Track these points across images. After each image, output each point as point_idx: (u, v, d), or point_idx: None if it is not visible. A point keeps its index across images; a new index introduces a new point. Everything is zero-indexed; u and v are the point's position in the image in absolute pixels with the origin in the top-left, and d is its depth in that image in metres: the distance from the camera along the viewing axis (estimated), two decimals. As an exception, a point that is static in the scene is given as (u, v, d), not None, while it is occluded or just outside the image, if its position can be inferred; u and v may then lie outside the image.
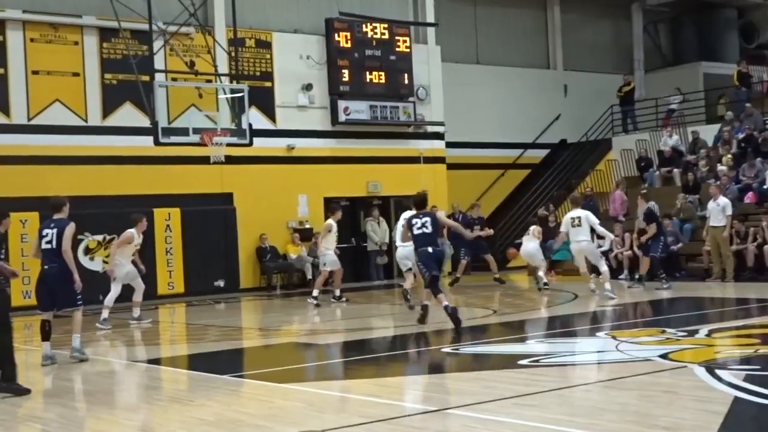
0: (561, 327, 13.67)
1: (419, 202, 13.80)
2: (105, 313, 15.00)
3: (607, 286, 16.18)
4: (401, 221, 16.45)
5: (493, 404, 7.46)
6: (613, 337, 11.21)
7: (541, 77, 29.35)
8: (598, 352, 10.61)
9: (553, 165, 27.92)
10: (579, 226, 16.34)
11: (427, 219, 13.31)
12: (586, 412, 7.13)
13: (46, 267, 11.11)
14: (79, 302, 11.18)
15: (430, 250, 13.12)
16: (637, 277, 18.46)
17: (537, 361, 9.78)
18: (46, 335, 11.10)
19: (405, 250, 15.65)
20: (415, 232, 13.34)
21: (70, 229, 11.03)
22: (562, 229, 16.86)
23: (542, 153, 28.88)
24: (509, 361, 9.85)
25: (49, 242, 11.01)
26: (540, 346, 11.30)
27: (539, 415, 6.99)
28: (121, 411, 8.26)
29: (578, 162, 27.81)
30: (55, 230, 11.01)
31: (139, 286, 15.52)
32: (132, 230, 15.31)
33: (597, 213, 23.35)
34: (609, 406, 7.28)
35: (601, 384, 8.33)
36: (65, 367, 10.97)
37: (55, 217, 11.24)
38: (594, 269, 17.30)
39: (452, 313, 12.64)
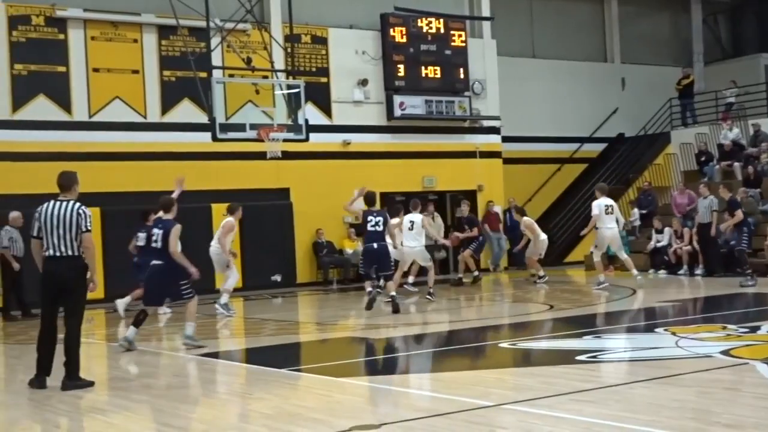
0: (619, 322, 13.56)
1: (370, 199, 14.95)
2: (225, 298, 15.82)
3: (634, 272, 17.68)
4: (406, 222, 16.66)
5: (550, 400, 7.44)
6: (673, 333, 11.08)
7: (598, 71, 29.06)
8: (657, 348, 10.50)
9: (611, 159, 27.63)
10: (611, 213, 17.63)
11: (380, 218, 14.45)
12: (644, 408, 7.05)
13: (153, 263, 11.69)
14: (186, 295, 11.66)
15: (375, 246, 14.48)
16: (748, 272, 17.27)
17: (595, 356, 9.72)
18: (138, 323, 11.70)
19: (410, 250, 16.73)
20: (369, 228, 14.44)
21: (176, 230, 11.50)
22: (595, 212, 17.68)
23: (599, 147, 28.59)
24: (567, 357, 9.80)
25: (156, 241, 11.59)
26: (598, 342, 11.21)
27: (597, 411, 6.96)
28: (182, 404, 8.37)
29: (636, 156, 27.48)
30: (161, 231, 11.55)
31: (234, 276, 16.10)
32: (231, 219, 15.95)
33: (656, 207, 23.21)
34: (668, 402, 7.20)
35: (660, 380, 8.24)
36: (126, 359, 11.17)
37: (163, 217, 11.81)
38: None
39: (371, 299, 14.51)
